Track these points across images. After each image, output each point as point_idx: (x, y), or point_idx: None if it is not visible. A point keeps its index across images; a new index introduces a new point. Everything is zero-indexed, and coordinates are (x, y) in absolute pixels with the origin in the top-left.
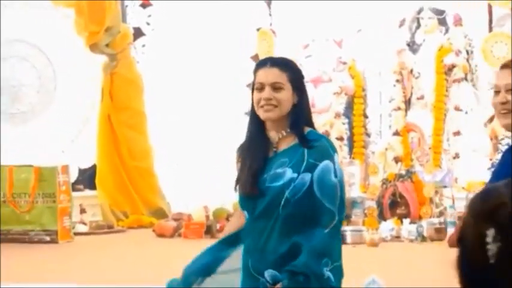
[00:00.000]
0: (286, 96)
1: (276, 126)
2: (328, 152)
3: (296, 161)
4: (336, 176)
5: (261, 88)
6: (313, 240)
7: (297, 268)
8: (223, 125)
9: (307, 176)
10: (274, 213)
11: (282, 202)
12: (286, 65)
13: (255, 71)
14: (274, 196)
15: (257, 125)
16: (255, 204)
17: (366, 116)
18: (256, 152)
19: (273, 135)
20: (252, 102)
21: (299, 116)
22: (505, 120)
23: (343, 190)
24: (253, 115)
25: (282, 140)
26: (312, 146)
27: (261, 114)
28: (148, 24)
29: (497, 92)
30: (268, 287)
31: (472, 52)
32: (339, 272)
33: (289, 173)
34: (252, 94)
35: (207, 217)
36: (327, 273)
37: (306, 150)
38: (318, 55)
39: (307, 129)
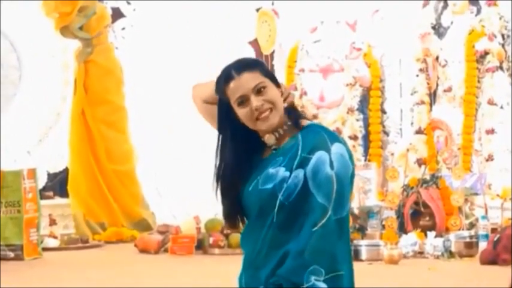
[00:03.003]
0: (273, 92)
1: (272, 126)
2: (323, 143)
3: (289, 158)
4: (332, 168)
5: (244, 101)
6: (299, 242)
7: (279, 279)
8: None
9: (300, 173)
10: (267, 220)
11: (276, 207)
12: (250, 64)
13: (224, 88)
14: (265, 200)
15: (241, 145)
16: (249, 213)
17: (384, 112)
18: (251, 155)
19: (268, 138)
20: (235, 123)
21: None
22: None
23: (344, 184)
24: (232, 141)
25: (279, 138)
26: (307, 138)
27: (260, 126)
28: (128, 3)
29: None
30: None
31: (508, 36)
32: (343, 284)
33: (281, 172)
34: (233, 115)
35: (198, 229)
36: (317, 283)
37: (300, 145)
38: (327, 40)
39: (306, 122)
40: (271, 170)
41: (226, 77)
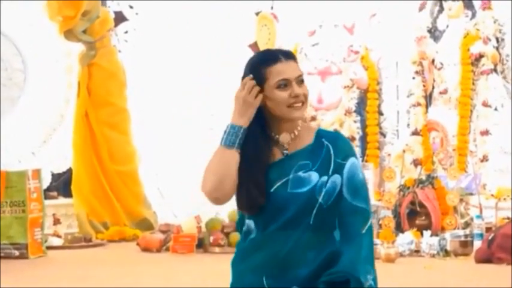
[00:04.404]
0: (307, 88)
1: (290, 125)
2: (351, 148)
3: (321, 163)
4: (362, 174)
5: (287, 85)
6: (352, 246)
7: (336, 275)
8: (217, 122)
9: (337, 179)
10: (302, 222)
11: (315, 209)
12: (294, 56)
13: (265, 67)
14: (303, 203)
15: (259, 127)
16: (273, 214)
17: (380, 113)
18: (259, 159)
19: (284, 136)
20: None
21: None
22: None
23: (367, 187)
24: (257, 116)
25: (293, 139)
26: (337, 144)
27: (293, 113)
28: (131, 7)
29: None
30: None
31: (503, 40)
32: (376, 282)
33: (315, 177)
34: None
35: (199, 229)
36: (370, 282)
37: (331, 151)
38: (325, 43)
39: (315, 126)
40: (302, 174)
41: (273, 58)
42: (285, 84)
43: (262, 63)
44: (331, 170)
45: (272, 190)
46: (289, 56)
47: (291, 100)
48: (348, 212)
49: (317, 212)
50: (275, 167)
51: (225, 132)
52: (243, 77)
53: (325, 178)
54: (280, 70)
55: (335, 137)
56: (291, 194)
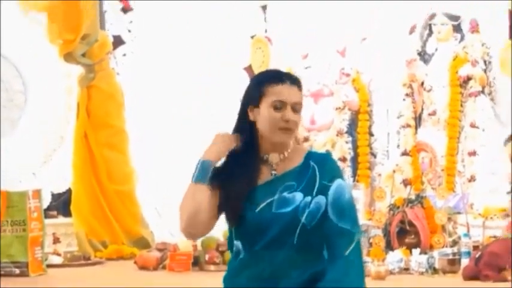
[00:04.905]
0: (300, 117)
1: (280, 147)
2: (339, 170)
3: (306, 184)
4: (349, 195)
5: (282, 107)
6: (335, 267)
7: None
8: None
9: (322, 200)
10: (286, 241)
11: (298, 229)
12: (300, 83)
13: (267, 85)
14: (286, 223)
15: (250, 146)
16: (258, 233)
17: (371, 134)
18: (247, 177)
19: (273, 157)
20: (246, 118)
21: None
22: None
23: (355, 208)
24: (245, 131)
25: (282, 160)
26: (324, 166)
27: (278, 136)
28: (129, 31)
29: None
30: None
31: (490, 62)
32: None
33: (299, 197)
34: (247, 108)
35: (195, 247)
36: None
37: (317, 172)
38: (318, 66)
39: (305, 148)
40: (287, 195)
41: (278, 78)
42: (280, 106)
43: (266, 80)
44: (315, 191)
45: (257, 210)
46: (294, 82)
47: (281, 123)
48: (333, 233)
49: (300, 232)
50: (263, 187)
51: (196, 167)
52: (246, 91)
53: (308, 199)
54: (280, 91)
55: (323, 158)
56: (275, 214)
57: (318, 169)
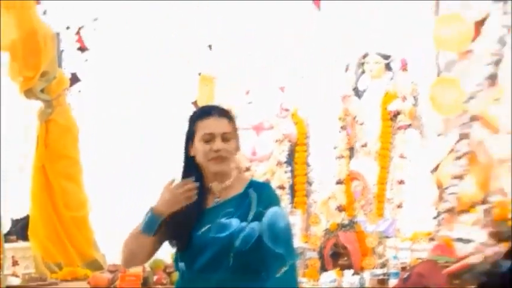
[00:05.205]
0: (234, 146)
1: (221, 176)
2: (275, 198)
3: (243, 211)
4: (284, 221)
5: (210, 139)
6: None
7: None
8: (161, 175)
9: (256, 225)
10: (222, 264)
11: (233, 253)
12: (231, 116)
13: (197, 121)
14: (221, 247)
15: (195, 176)
16: (197, 256)
17: (308, 164)
18: (193, 205)
19: (215, 185)
20: (187, 158)
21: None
22: None
23: (291, 233)
24: (190, 166)
25: (225, 188)
26: (261, 194)
27: (212, 166)
28: (84, 69)
29: None
30: None
31: (418, 98)
32: None
33: (236, 223)
34: (189, 144)
35: (144, 268)
36: None
37: (254, 199)
38: (259, 101)
39: (248, 177)
40: (224, 220)
41: (205, 113)
42: (209, 138)
43: (196, 117)
44: (251, 217)
45: (198, 234)
46: (222, 113)
47: (211, 154)
48: (266, 257)
49: (235, 255)
50: (206, 213)
51: (146, 215)
52: (188, 129)
53: (244, 224)
54: (207, 125)
55: (261, 187)
56: (213, 238)
57: (256, 197)
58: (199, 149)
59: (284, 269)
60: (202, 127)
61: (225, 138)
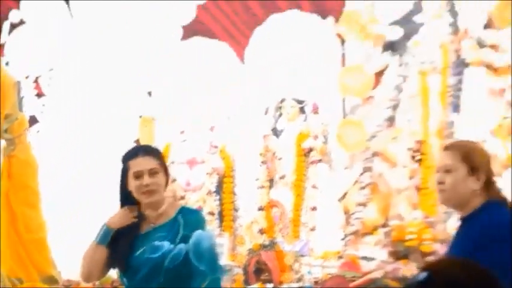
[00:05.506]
0: (162, 179)
1: (154, 204)
2: (200, 223)
3: (173, 234)
4: (209, 242)
5: (139, 176)
6: None
7: None
8: (106, 205)
9: (183, 246)
10: (154, 280)
11: (163, 271)
12: (156, 152)
13: (128, 161)
14: (154, 266)
15: (132, 205)
16: (135, 274)
17: (234, 194)
18: (130, 232)
19: (149, 212)
20: (124, 189)
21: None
22: (440, 197)
23: (216, 252)
24: (126, 201)
25: (159, 215)
26: (188, 219)
27: (144, 199)
28: (42, 112)
29: (437, 172)
30: None
31: (327, 137)
32: None
33: (166, 245)
34: (125, 182)
35: (94, 284)
36: None
37: (181, 224)
38: (192, 139)
39: (179, 205)
40: (157, 243)
41: (135, 153)
42: (138, 174)
43: (127, 157)
44: (178, 240)
45: (135, 255)
46: (147, 151)
47: (142, 188)
48: (191, 273)
49: (166, 273)
50: (142, 237)
51: (101, 229)
52: (122, 168)
53: (172, 246)
54: (136, 163)
55: (188, 213)
56: (147, 259)
57: (184, 222)
58: (132, 184)
59: (206, 283)
60: (133, 165)
61: (152, 173)
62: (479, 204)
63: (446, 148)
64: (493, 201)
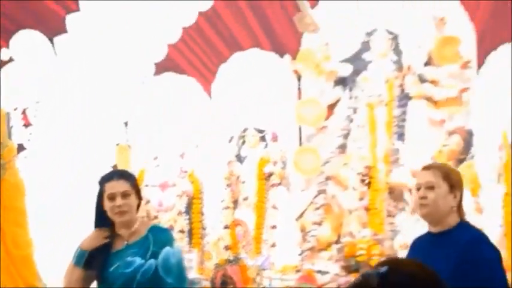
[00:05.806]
0: (134, 201)
1: (127, 224)
2: (168, 241)
3: (144, 250)
4: (176, 257)
5: (113, 198)
6: None
7: None
8: (89, 224)
9: (153, 262)
10: None
11: (135, 284)
12: (129, 176)
13: (103, 184)
14: (127, 280)
15: (108, 225)
16: (111, 287)
17: (202, 214)
18: (104, 250)
19: (123, 231)
20: (100, 210)
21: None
22: (422, 211)
23: (184, 266)
24: (100, 220)
25: (131, 233)
26: (157, 237)
27: (117, 219)
28: (29, 140)
29: (418, 189)
30: None
31: (286, 163)
32: None
33: (138, 260)
34: (101, 202)
35: None
36: None
37: (151, 242)
38: (164, 165)
39: (151, 223)
40: (129, 259)
41: (110, 176)
42: (112, 196)
43: (103, 180)
44: (149, 255)
45: (110, 271)
46: (121, 175)
47: (115, 209)
48: (161, 286)
49: (137, 286)
50: (116, 254)
51: (76, 251)
52: (99, 190)
53: (143, 261)
54: (110, 186)
55: (158, 231)
56: (121, 273)
57: (153, 239)
58: (106, 205)
59: None
60: (107, 188)
61: (124, 195)
62: (454, 222)
63: (428, 168)
64: (465, 222)
